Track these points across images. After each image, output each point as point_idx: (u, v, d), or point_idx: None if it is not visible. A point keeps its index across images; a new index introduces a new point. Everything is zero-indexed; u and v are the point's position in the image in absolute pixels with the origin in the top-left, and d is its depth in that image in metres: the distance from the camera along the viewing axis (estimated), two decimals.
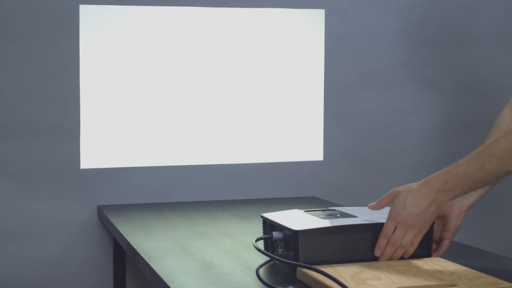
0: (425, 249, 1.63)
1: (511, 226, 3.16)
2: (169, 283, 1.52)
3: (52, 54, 2.63)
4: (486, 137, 1.79)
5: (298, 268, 1.51)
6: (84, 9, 2.64)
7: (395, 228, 1.57)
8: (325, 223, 1.59)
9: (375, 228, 1.60)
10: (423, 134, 3.05)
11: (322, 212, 1.71)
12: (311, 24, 2.88)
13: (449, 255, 1.66)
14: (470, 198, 1.73)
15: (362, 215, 1.65)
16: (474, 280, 1.40)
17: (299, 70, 2.89)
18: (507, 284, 1.38)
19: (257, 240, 1.62)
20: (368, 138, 2.98)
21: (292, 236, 1.55)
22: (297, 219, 1.63)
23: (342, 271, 1.47)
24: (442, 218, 1.72)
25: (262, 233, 1.73)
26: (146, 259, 1.75)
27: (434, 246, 1.68)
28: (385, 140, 3.00)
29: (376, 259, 1.60)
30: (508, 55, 3.13)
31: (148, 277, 1.73)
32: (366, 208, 1.72)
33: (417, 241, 1.57)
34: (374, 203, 1.65)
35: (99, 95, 2.69)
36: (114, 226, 2.26)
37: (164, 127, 2.75)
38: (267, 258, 1.66)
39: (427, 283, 1.39)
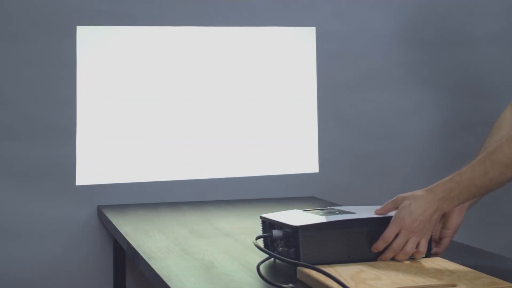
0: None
1: (511, 226, 3.16)
2: (169, 283, 1.52)
3: (51, 54, 2.63)
4: (486, 138, 1.79)
5: (298, 268, 1.51)
6: (81, 26, 2.65)
7: (397, 234, 1.57)
8: (325, 219, 1.59)
9: (376, 223, 1.60)
10: (423, 134, 3.05)
11: (321, 211, 1.72)
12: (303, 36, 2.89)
13: (449, 255, 1.66)
14: None
15: (360, 212, 1.66)
16: (474, 280, 1.40)
17: (294, 77, 2.89)
18: (507, 284, 1.38)
19: (257, 238, 1.62)
20: (368, 138, 2.97)
21: (292, 233, 1.56)
22: (296, 217, 1.64)
23: (342, 271, 1.47)
24: (443, 217, 1.72)
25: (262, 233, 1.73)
26: (146, 259, 1.75)
27: (433, 244, 1.68)
28: (385, 140, 3.00)
29: (376, 256, 1.60)
30: (508, 55, 3.13)
31: (148, 277, 1.73)
32: (365, 206, 1.72)
33: (424, 248, 1.58)
34: (379, 207, 1.65)
35: (101, 96, 2.69)
36: (114, 226, 2.26)
37: (162, 139, 2.76)
38: (268, 256, 1.66)
39: (427, 283, 1.39)
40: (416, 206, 1.56)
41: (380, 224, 1.60)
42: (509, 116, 1.81)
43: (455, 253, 1.75)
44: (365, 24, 2.95)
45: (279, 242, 1.61)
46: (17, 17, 2.60)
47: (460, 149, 3.05)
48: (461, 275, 1.44)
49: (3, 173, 2.60)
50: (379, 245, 1.57)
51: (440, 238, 1.70)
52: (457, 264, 1.54)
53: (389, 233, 1.57)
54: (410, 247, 1.56)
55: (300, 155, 2.90)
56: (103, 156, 2.70)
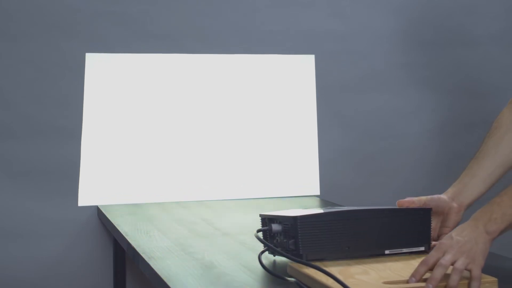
0: (424, 244, 1.64)
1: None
2: (169, 283, 1.52)
3: (53, 54, 2.63)
4: (485, 138, 1.80)
5: (288, 263, 1.53)
6: (90, 57, 2.66)
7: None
8: (323, 211, 1.61)
9: (374, 214, 1.61)
10: (423, 135, 3.05)
11: (320, 208, 1.73)
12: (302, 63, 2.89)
13: None
14: (470, 196, 1.74)
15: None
16: None
17: (293, 78, 2.89)
18: (490, 278, 1.41)
19: (258, 231, 1.63)
20: (368, 139, 2.98)
21: (291, 224, 1.56)
22: (295, 212, 1.65)
23: (330, 265, 1.50)
24: (442, 215, 1.72)
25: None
26: (146, 259, 1.75)
27: (432, 242, 1.69)
28: (385, 140, 3.00)
29: (375, 248, 1.60)
30: (508, 55, 3.13)
31: (148, 277, 1.73)
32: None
33: (476, 274, 1.38)
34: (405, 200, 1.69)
35: (102, 96, 2.69)
36: (114, 226, 2.26)
37: (165, 156, 2.76)
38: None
39: None
40: (458, 231, 1.47)
41: (378, 215, 1.61)
42: (508, 116, 1.81)
43: None
44: (365, 24, 2.95)
45: (278, 236, 1.62)
46: (17, 16, 2.60)
47: (460, 149, 3.05)
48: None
49: (3, 173, 2.60)
50: (419, 269, 1.40)
51: (439, 235, 1.71)
52: None
53: (429, 257, 1.42)
54: (460, 264, 1.38)
55: (301, 179, 2.90)
56: (104, 158, 2.70)
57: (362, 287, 1.35)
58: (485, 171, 1.75)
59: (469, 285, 1.38)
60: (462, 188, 1.74)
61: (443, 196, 1.74)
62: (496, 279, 1.40)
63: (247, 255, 1.78)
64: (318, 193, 2.89)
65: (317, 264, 1.48)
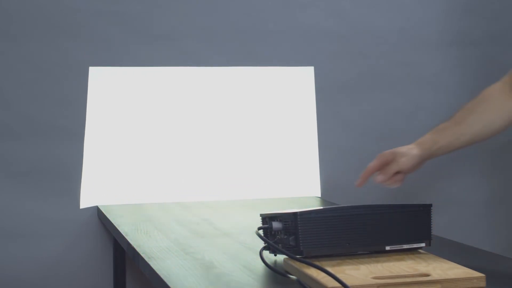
0: (425, 239, 1.64)
1: (511, 226, 3.16)
2: (169, 283, 1.52)
3: (55, 54, 2.63)
4: (467, 105, 1.86)
5: (284, 259, 1.53)
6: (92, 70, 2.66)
7: None
8: (324, 207, 1.62)
9: (373, 210, 1.61)
10: (423, 134, 3.04)
11: (321, 207, 1.74)
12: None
13: (451, 256, 1.66)
14: (434, 148, 1.85)
15: None
16: (447, 271, 1.45)
17: (291, 77, 2.90)
18: (478, 274, 1.42)
19: (259, 229, 1.63)
20: (369, 138, 2.97)
21: (292, 221, 1.56)
22: (295, 209, 1.66)
23: (324, 262, 1.52)
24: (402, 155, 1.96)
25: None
26: (146, 259, 1.75)
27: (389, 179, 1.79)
28: (385, 140, 2.99)
29: (376, 245, 1.61)
30: (508, 55, 3.13)
31: (148, 277, 1.73)
32: None
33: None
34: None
35: (104, 97, 2.69)
36: (114, 226, 2.26)
37: (166, 155, 2.77)
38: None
39: (402, 273, 1.44)
40: (399, 147, 1.66)
41: (378, 211, 1.61)
42: (498, 93, 1.84)
43: (453, 252, 1.75)
44: (365, 24, 2.95)
45: (279, 234, 1.62)
46: (17, 16, 2.59)
47: (460, 149, 3.04)
48: (436, 266, 1.48)
49: (3, 173, 2.60)
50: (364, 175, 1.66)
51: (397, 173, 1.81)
52: (436, 257, 1.57)
53: (370, 165, 1.64)
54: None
55: (301, 180, 2.90)
56: (104, 158, 2.70)
57: (350, 281, 1.37)
58: (457, 135, 1.86)
59: None
60: (429, 140, 1.85)
61: (406, 146, 1.85)
62: (484, 275, 1.42)
63: (247, 255, 1.78)
64: (319, 194, 2.89)
65: (312, 261, 1.49)
